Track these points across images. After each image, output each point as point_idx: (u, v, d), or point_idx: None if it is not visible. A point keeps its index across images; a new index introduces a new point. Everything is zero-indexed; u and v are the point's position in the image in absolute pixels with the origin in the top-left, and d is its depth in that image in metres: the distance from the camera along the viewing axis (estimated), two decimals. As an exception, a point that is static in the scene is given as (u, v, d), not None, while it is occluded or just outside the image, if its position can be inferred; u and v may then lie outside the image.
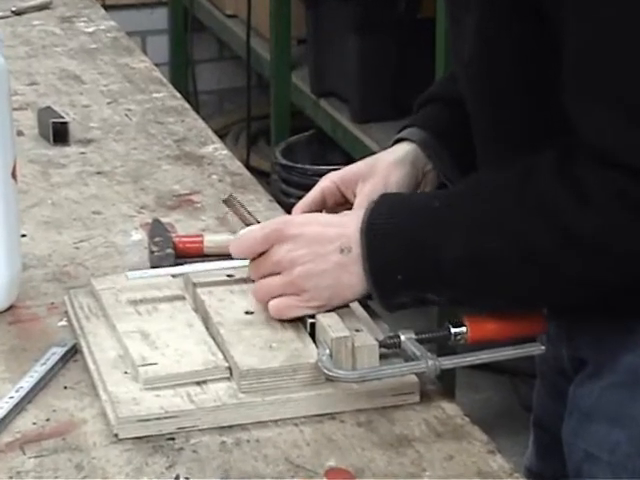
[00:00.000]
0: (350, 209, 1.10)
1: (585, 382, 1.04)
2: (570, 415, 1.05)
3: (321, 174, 1.16)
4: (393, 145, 1.13)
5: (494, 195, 0.96)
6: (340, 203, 1.12)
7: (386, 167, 1.10)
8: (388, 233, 0.98)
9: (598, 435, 1.02)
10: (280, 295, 1.03)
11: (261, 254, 1.03)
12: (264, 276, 1.03)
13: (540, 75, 0.97)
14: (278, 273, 1.02)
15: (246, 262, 1.11)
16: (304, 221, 1.03)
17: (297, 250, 1.01)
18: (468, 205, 0.97)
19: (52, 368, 1.05)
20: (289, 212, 1.14)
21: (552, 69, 0.96)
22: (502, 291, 0.98)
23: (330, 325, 1.01)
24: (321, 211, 1.12)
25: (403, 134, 1.13)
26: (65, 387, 1.04)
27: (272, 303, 1.03)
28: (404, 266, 0.98)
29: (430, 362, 0.98)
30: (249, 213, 1.26)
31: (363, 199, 1.09)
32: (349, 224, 1.00)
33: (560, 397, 1.08)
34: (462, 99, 1.06)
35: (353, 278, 1.00)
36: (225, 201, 1.24)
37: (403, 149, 1.12)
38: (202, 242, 1.22)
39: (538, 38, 0.96)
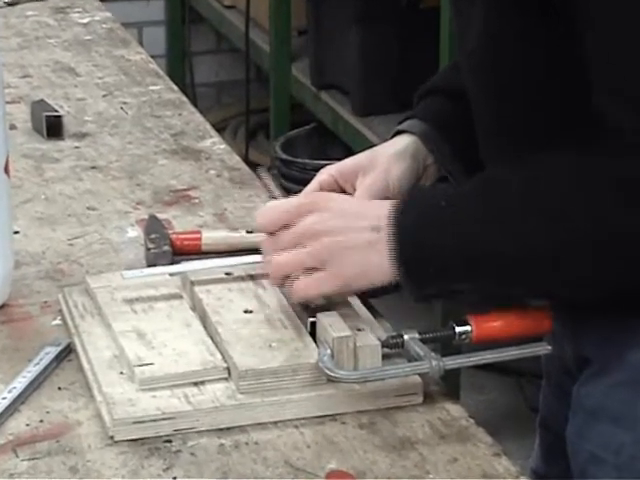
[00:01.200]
0: None
1: (590, 381, 1.03)
2: (575, 415, 1.04)
3: (322, 169, 1.15)
4: (393, 137, 1.12)
5: (531, 178, 0.94)
6: None
7: (387, 160, 1.09)
8: (417, 223, 0.96)
9: (603, 436, 1.01)
10: (298, 273, 0.98)
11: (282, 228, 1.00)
12: (281, 251, 0.99)
13: (544, 69, 0.96)
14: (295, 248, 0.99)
15: (245, 259, 1.10)
16: (338, 196, 1.01)
17: (327, 221, 0.98)
18: (511, 191, 0.94)
19: (46, 368, 1.04)
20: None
21: (557, 63, 0.95)
22: (540, 279, 0.95)
23: (331, 324, 1.00)
24: None
25: (403, 126, 1.12)
26: (59, 388, 1.03)
27: (295, 283, 0.99)
28: (438, 258, 0.95)
29: (434, 362, 0.97)
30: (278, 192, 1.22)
31: (363, 192, 1.07)
32: (379, 205, 0.98)
33: (565, 397, 1.07)
34: (464, 91, 1.05)
35: (384, 260, 0.96)
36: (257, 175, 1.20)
37: (404, 142, 1.10)
38: (200, 239, 1.21)
39: (543, 32, 0.95)
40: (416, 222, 0.96)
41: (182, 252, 1.20)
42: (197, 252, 1.20)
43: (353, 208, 0.99)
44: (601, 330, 1.01)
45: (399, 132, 1.11)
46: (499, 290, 0.98)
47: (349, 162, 1.10)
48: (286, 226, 1.00)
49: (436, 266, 0.96)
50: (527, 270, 0.95)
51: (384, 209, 0.97)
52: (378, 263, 0.97)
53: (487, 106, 1.01)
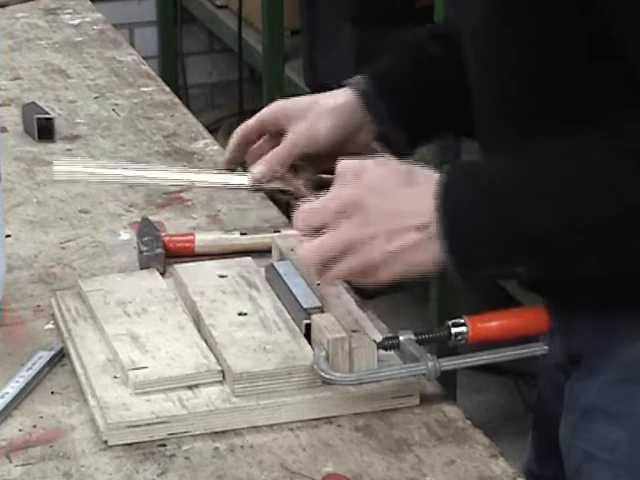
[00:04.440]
0: None
1: (582, 378, 1.02)
2: (568, 414, 1.04)
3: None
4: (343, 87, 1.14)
5: (582, 151, 0.91)
6: (280, 133, 1.15)
7: (318, 112, 1.12)
8: (467, 207, 0.92)
9: (597, 434, 1.00)
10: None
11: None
12: (324, 256, 0.95)
13: (551, 49, 0.94)
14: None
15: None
16: (376, 186, 0.94)
17: (369, 226, 0.93)
18: (553, 165, 0.92)
19: (38, 373, 1.03)
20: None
21: (566, 41, 0.92)
22: (600, 254, 0.92)
23: (326, 326, 1.00)
24: (259, 138, 1.17)
25: (352, 80, 1.14)
26: (52, 392, 1.02)
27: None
28: (489, 241, 0.92)
29: (430, 364, 0.96)
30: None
31: (287, 144, 1.12)
32: (422, 197, 0.93)
33: (559, 394, 1.06)
34: (420, 53, 1.08)
35: (430, 256, 0.93)
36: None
37: (345, 97, 1.13)
38: (193, 241, 1.20)
39: (555, 5, 0.92)
40: (464, 211, 0.92)
41: (175, 255, 1.19)
42: (190, 254, 1.19)
43: (395, 205, 0.94)
44: (593, 325, 1.00)
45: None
46: (554, 272, 0.95)
47: (291, 103, 1.14)
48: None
49: (489, 252, 0.92)
50: (585, 249, 0.92)
51: (428, 202, 0.92)
52: (425, 261, 0.93)
53: (489, 88, 0.99)
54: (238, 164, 1.21)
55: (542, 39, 0.94)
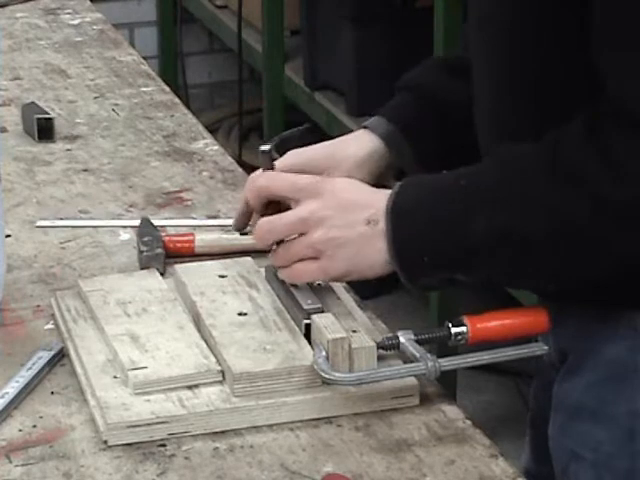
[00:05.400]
0: None
1: (568, 378, 1.02)
2: (556, 413, 1.04)
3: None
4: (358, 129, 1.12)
5: (521, 167, 0.94)
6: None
7: (349, 167, 1.09)
8: (414, 214, 0.96)
9: (582, 433, 1.01)
10: (300, 260, 1.00)
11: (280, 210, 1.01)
12: (288, 235, 1.00)
13: (559, 39, 0.94)
14: (301, 235, 0.99)
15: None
16: (340, 183, 1.01)
17: (323, 210, 0.98)
18: (494, 180, 0.95)
19: (38, 373, 1.03)
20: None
21: (573, 31, 0.93)
22: (534, 267, 0.96)
23: (326, 326, 1.00)
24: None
25: (370, 123, 1.12)
26: (52, 392, 1.02)
27: (290, 267, 1.00)
28: (431, 247, 0.96)
29: (430, 364, 0.96)
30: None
31: None
32: (380, 198, 0.98)
33: (551, 392, 1.06)
34: (440, 91, 1.05)
35: (375, 255, 0.97)
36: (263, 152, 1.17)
37: (367, 146, 1.10)
38: (193, 241, 1.20)
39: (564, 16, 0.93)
40: (410, 214, 0.96)
41: (175, 255, 1.19)
42: (190, 254, 1.19)
43: (350, 195, 0.99)
44: (578, 323, 1.01)
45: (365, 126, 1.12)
46: (495, 276, 0.98)
47: (314, 154, 1.09)
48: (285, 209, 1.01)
49: (431, 257, 0.95)
50: (521, 263, 0.95)
51: (382, 201, 0.97)
52: (370, 258, 0.97)
53: (496, 82, 0.99)
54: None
55: (547, 33, 0.95)
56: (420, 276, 0.97)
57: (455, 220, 0.94)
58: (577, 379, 1.01)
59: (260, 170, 1.07)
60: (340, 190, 1.00)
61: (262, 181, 1.03)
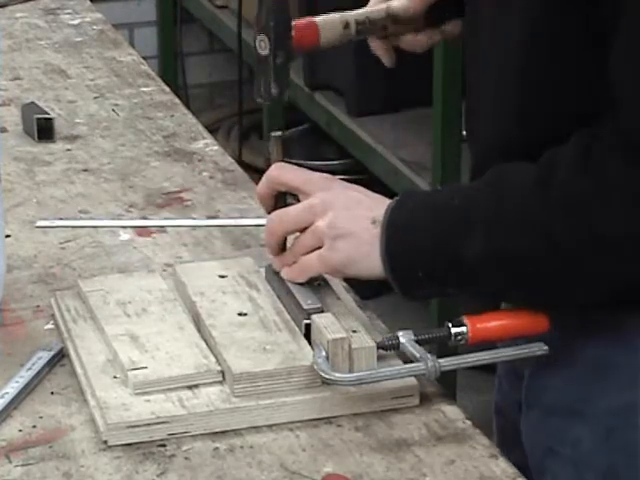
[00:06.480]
0: None
1: (543, 373, 1.02)
2: (530, 409, 1.04)
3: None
4: None
5: (515, 190, 0.95)
6: None
7: None
8: (406, 231, 0.97)
9: (560, 430, 1.01)
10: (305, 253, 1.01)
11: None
12: (297, 225, 1.01)
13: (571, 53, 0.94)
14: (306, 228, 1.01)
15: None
16: (350, 184, 1.03)
17: (334, 201, 1.00)
18: (488, 201, 0.96)
19: (38, 373, 1.03)
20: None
21: (587, 57, 0.93)
22: (524, 287, 0.96)
23: (326, 326, 1.00)
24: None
25: None
26: (52, 393, 1.02)
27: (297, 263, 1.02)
28: (424, 263, 0.97)
29: (430, 364, 0.96)
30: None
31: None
32: (382, 200, 1.01)
33: (517, 382, 1.06)
34: None
35: (372, 256, 0.98)
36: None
37: None
38: (317, 30, 1.13)
39: (579, 29, 0.93)
40: (403, 230, 0.97)
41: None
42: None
43: (359, 194, 1.01)
44: (555, 318, 1.00)
45: None
46: (486, 293, 0.99)
47: None
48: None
49: (424, 270, 0.96)
50: (512, 282, 0.96)
51: (385, 204, 0.99)
52: (368, 256, 0.98)
53: (495, 85, 0.99)
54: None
55: (565, 58, 0.95)
56: (411, 289, 0.98)
57: (445, 240, 0.95)
58: (554, 375, 1.01)
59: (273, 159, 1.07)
60: (350, 187, 1.02)
61: (273, 171, 1.04)
